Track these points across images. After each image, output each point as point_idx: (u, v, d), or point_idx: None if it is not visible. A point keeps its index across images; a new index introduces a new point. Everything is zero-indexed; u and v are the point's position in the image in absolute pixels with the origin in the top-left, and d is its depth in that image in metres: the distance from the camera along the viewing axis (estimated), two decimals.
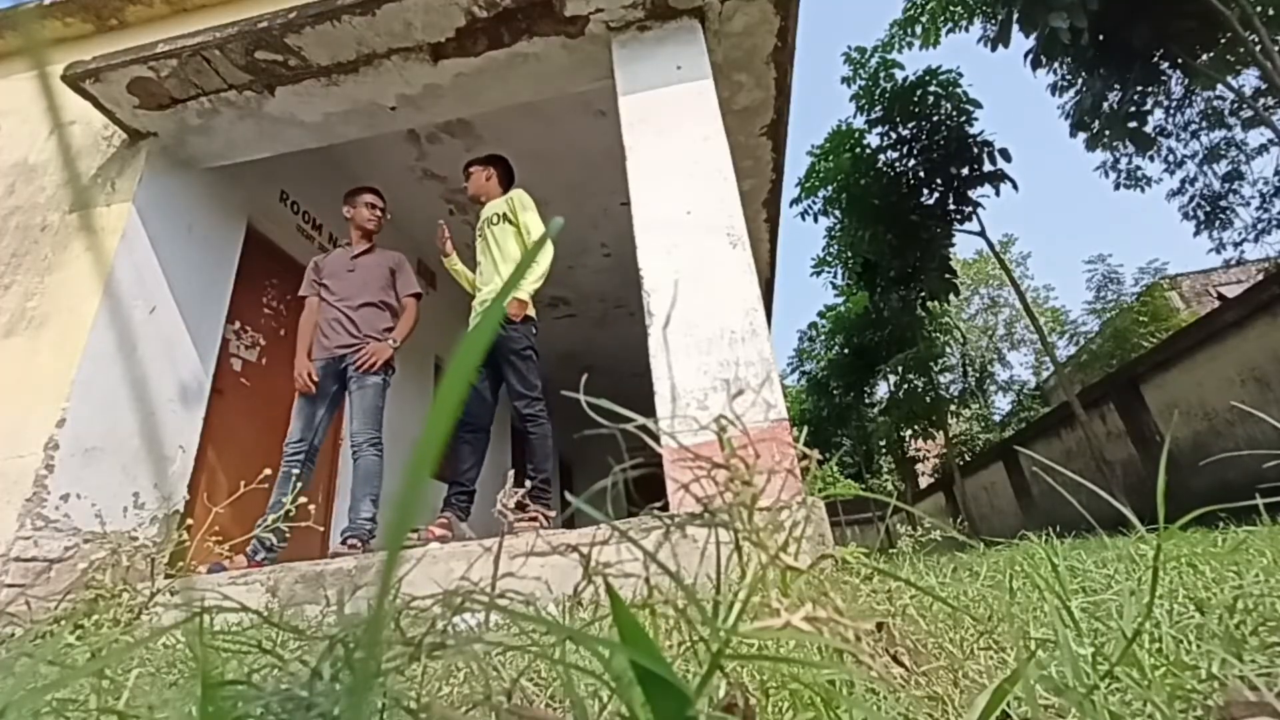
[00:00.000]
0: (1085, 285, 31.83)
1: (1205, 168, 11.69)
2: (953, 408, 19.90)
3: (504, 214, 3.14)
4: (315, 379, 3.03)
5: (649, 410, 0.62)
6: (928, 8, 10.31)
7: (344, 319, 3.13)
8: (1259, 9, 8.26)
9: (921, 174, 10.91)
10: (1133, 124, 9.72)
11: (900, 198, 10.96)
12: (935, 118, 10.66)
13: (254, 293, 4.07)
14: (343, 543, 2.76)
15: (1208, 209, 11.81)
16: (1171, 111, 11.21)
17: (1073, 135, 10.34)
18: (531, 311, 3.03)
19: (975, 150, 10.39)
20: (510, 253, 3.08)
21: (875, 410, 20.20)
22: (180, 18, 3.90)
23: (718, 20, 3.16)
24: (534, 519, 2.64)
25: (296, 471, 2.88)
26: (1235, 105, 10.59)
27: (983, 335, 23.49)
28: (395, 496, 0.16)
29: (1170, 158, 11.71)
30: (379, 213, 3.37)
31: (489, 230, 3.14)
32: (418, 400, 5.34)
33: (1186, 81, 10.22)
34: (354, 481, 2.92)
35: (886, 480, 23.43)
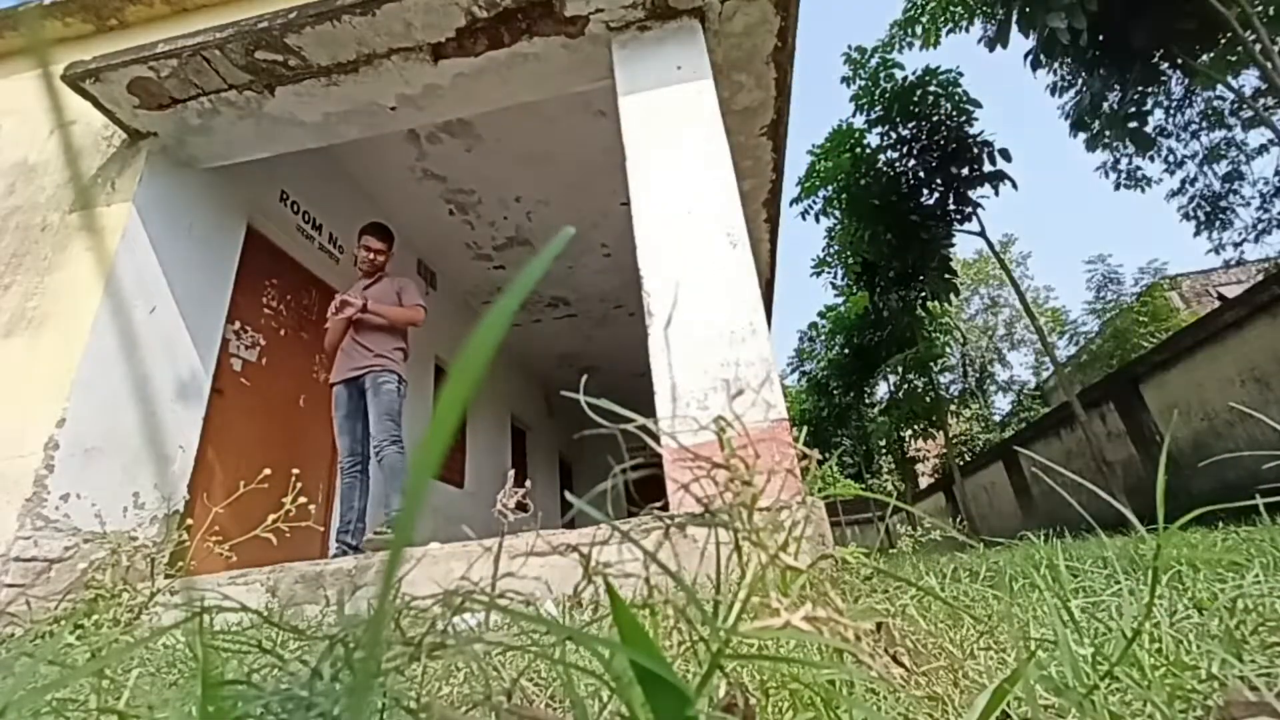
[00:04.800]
0: (1085, 285, 31.86)
1: (1205, 168, 11.70)
2: (953, 408, 19.92)
3: None
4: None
5: (649, 410, 0.62)
6: (928, 8, 10.31)
7: (358, 346, 3.37)
8: (1259, 9, 8.26)
9: (921, 174, 10.90)
10: (1133, 124, 9.71)
11: (900, 198, 10.95)
12: (935, 118, 10.66)
13: (254, 293, 4.06)
14: (376, 533, 2.99)
15: (1208, 209, 11.82)
16: (1171, 111, 11.21)
17: (1073, 135, 10.34)
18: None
19: (975, 150, 10.39)
20: None
21: (875, 410, 20.20)
22: (180, 18, 3.89)
23: (718, 20, 3.16)
24: None
25: (358, 481, 3.23)
26: (1235, 105, 10.59)
27: (983, 335, 23.51)
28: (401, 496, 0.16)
29: (1170, 158, 11.72)
30: (370, 254, 3.54)
31: None
32: (418, 401, 5.34)
33: (1186, 81, 10.22)
34: (384, 479, 3.13)
35: (886, 480, 23.43)
